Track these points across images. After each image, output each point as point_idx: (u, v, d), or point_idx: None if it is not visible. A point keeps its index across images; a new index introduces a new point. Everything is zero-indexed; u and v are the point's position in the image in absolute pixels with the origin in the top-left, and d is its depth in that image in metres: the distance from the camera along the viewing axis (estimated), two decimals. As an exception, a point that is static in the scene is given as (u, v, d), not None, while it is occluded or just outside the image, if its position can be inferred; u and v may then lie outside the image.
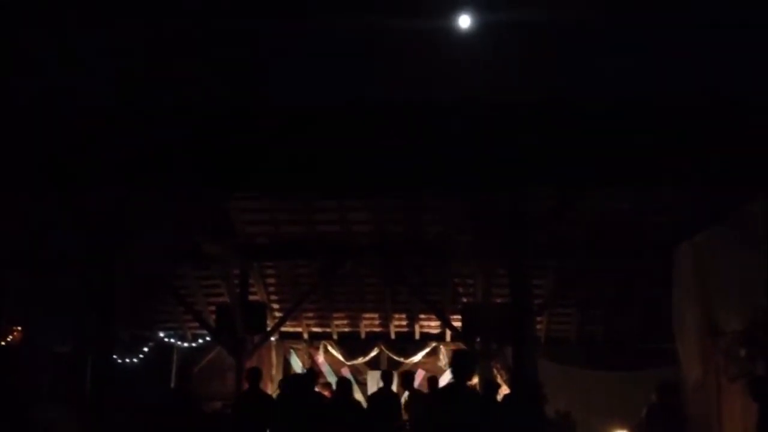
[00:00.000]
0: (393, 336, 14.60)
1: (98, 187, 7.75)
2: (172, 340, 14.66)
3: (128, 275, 8.99)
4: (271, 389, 12.50)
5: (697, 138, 6.73)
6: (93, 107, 7.64)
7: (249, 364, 12.95)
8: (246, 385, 9.05)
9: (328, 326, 14.64)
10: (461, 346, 14.04)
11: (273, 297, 13.91)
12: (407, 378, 10.58)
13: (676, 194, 9.35)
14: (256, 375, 8.89)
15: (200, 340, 14.54)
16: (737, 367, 9.62)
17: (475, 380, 13.84)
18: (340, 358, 14.62)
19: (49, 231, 9.98)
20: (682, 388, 10.89)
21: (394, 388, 10.52)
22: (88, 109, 7.62)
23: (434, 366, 14.30)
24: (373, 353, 14.55)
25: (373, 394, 10.34)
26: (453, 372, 6.33)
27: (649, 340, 12.79)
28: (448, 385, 6.45)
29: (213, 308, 13.27)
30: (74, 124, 7.52)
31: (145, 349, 14.37)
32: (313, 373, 9.89)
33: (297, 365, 14.67)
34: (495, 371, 13.00)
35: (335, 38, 9.59)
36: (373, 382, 13.65)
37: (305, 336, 14.79)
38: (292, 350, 14.91)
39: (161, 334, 14.62)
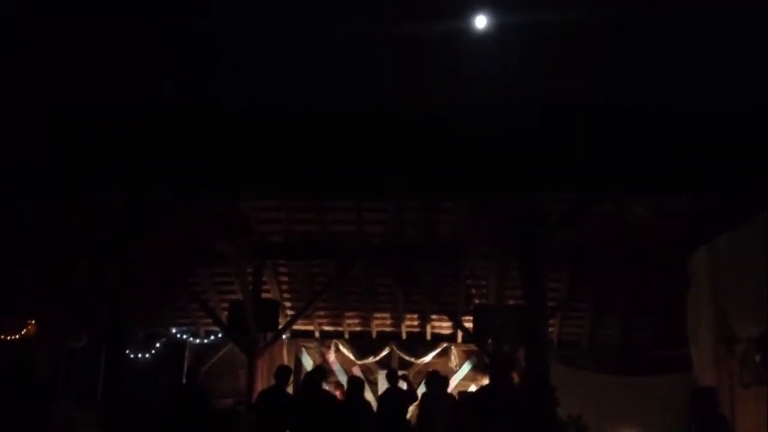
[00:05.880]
0: (404, 336, 14.60)
1: (113, 185, 7.77)
2: (185, 336, 14.70)
3: (143, 272, 9.01)
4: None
5: (716, 144, 6.69)
6: (105, 106, 7.66)
7: (261, 361, 13.04)
8: (273, 382, 9.05)
9: (340, 325, 14.65)
10: (473, 347, 14.08)
11: (285, 295, 13.94)
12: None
13: (693, 199, 9.29)
14: (284, 374, 8.91)
15: (212, 337, 14.57)
16: (751, 374, 9.57)
17: (485, 382, 13.90)
18: (351, 357, 14.63)
19: (65, 227, 10.02)
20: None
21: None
22: (100, 107, 7.64)
23: (445, 367, 14.30)
24: (384, 353, 14.56)
25: (383, 394, 10.37)
26: (491, 374, 6.54)
27: (663, 345, 12.73)
28: (488, 387, 6.61)
29: (226, 305, 13.30)
30: (88, 122, 7.55)
31: (158, 345, 14.41)
32: (321, 370, 9.90)
33: (308, 364, 14.67)
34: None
35: (350, 40, 9.58)
36: (384, 381, 13.66)
37: (317, 335, 14.81)
38: (303, 349, 14.92)
39: (173, 330, 14.67)
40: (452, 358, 14.57)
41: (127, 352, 9.75)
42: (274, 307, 12.96)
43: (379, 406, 9.89)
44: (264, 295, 13.20)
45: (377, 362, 14.60)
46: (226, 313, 13.13)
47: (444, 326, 14.43)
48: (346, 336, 14.75)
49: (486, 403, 6.49)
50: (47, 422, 9.81)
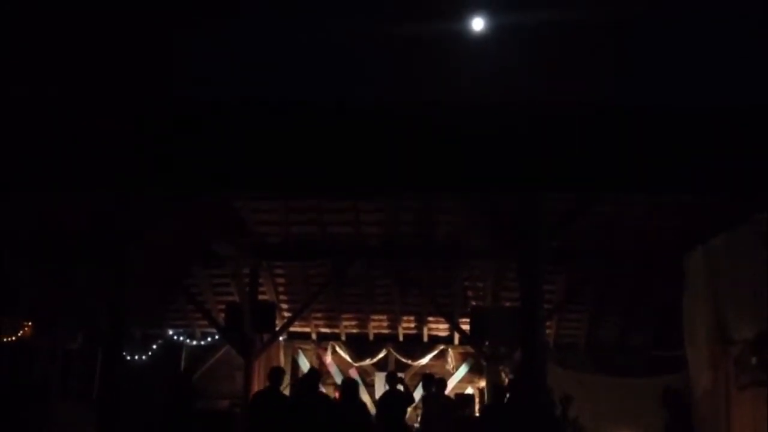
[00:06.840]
0: (401, 338, 14.61)
1: (110, 185, 7.75)
2: (181, 338, 14.68)
3: (140, 273, 8.99)
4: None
5: (716, 144, 6.71)
6: (105, 105, 7.65)
7: (257, 363, 13.01)
8: (267, 384, 9.05)
9: (337, 327, 14.65)
10: (469, 349, 14.09)
11: (282, 297, 13.92)
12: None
13: (692, 199, 9.32)
14: (278, 375, 8.90)
15: (209, 339, 14.55)
16: (747, 376, 9.59)
17: (482, 384, 13.92)
18: (348, 359, 14.62)
19: (62, 228, 10.00)
20: (691, 395, 10.87)
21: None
22: (97, 107, 7.62)
23: (442, 369, 14.31)
24: (381, 355, 14.56)
25: (382, 396, 10.36)
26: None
27: (660, 347, 12.75)
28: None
29: (222, 307, 13.28)
30: (85, 122, 7.53)
31: (154, 347, 14.39)
32: (315, 372, 9.89)
33: (305, 365, 14.65)
34: (503, 376, 12.98)
35: (350, 40, 9.59)
36: (381, 383, 13.66)
37: (314, 336, 14.81)
38: (300, 350, 14.92)
39: (170, 332, 14.64)
40: (449, 360, 14.59)
41: (124, 353, 9.73)
42: (271, 308, 12.94)
43: (378, 409, 9.89)
44: (260, 297, 13.18)
45: (374, 364, 14.60)
46: (222, 314, 13.11)
47: (441, 328, 14.43)
48: (343, 338, 14.74)
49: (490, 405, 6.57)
50: (46, 422, 9.78)
